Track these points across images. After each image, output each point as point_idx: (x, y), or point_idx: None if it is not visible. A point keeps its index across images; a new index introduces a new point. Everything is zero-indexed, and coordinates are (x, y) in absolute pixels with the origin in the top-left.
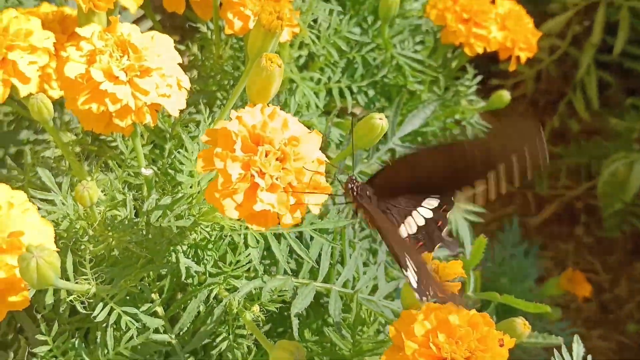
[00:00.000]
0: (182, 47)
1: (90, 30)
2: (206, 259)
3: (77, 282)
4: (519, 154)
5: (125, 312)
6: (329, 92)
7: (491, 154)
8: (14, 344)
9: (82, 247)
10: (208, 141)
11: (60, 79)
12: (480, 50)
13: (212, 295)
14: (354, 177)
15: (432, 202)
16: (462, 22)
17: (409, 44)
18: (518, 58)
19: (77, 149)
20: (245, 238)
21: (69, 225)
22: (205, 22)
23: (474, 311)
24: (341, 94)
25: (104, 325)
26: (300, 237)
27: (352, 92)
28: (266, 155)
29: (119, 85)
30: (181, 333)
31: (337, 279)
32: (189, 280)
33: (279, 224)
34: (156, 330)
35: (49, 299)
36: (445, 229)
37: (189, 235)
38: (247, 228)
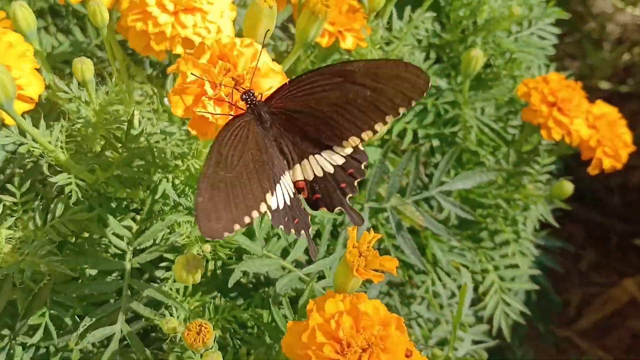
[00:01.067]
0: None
1: None
2: (189, 198)
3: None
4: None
5: (80, 187)
6: (391, 128)
7: (381, 100)
8: None
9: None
10: (191, 53)
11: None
12: (557, 137)
13: (179, 226)
14: (252, 92)
15: (335, 158)
16: (546, 103)
17: (490, 111)
18: (601, 163)
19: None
20: None
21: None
22: None
23: (395, 315)
24: (403, 134)
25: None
26: None
27: (416, 137)
28: (226, 73)
29: (164, 13)
30: (138, 248)
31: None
32: (166, 209)
33: None
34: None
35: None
36: (348, 196)
37: (179, 166)
38: None
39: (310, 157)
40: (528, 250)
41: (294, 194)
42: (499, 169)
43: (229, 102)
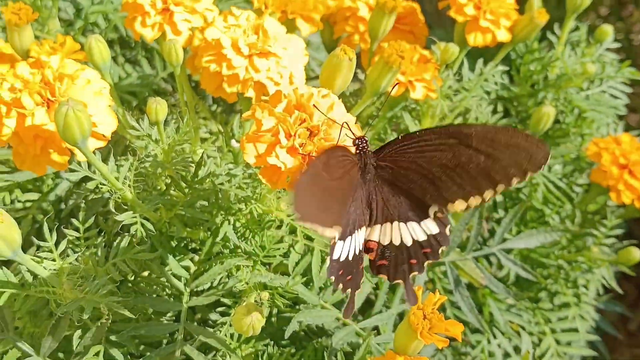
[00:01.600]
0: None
1: (241, 12)
2: (249, 242)
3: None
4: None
5: (145, 227)
6: None
7: (495, 167)
8: None
9: (146, 164)
10: (266, 101)
11: (201, 40)
12: (627, 201)
13: (237, 270)
14: (366, 139)
15: (418, 232)
16: (617, 165)
17: (558, 168)
18: None
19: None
20: (294, 244)
21: (146, 144)
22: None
23: None
24: None
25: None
26: None
27: None
28: (301, 123)
29: (239, 56)
30: (195, 290)
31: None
32: (225, 251)
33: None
34: (177, 277)
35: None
36: (412, 274)
37: (242, 209)
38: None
39: (395, 222)
40: (588, 315)
41: (360, 251)
42: (564, 229)
43: (301, 154)
